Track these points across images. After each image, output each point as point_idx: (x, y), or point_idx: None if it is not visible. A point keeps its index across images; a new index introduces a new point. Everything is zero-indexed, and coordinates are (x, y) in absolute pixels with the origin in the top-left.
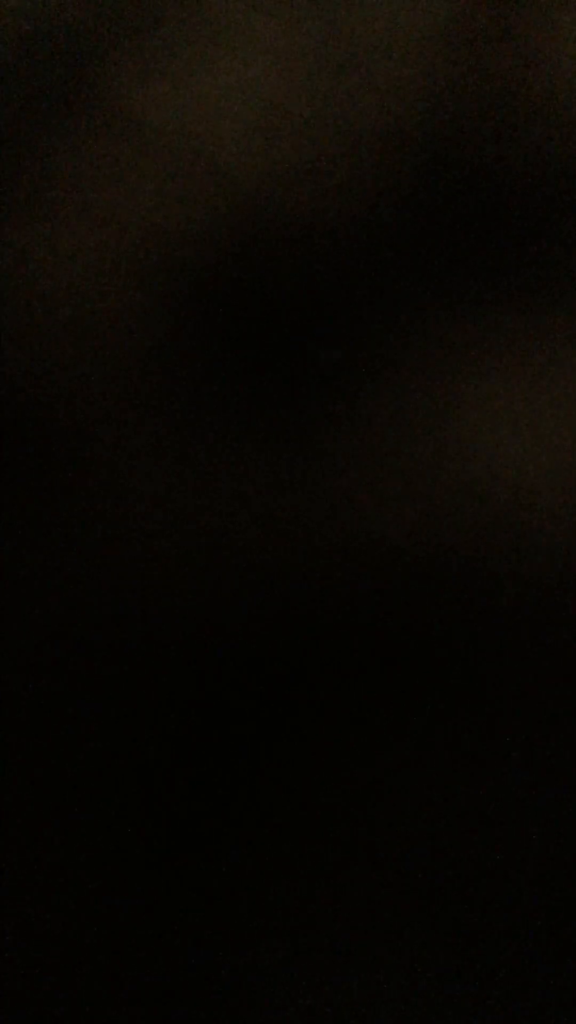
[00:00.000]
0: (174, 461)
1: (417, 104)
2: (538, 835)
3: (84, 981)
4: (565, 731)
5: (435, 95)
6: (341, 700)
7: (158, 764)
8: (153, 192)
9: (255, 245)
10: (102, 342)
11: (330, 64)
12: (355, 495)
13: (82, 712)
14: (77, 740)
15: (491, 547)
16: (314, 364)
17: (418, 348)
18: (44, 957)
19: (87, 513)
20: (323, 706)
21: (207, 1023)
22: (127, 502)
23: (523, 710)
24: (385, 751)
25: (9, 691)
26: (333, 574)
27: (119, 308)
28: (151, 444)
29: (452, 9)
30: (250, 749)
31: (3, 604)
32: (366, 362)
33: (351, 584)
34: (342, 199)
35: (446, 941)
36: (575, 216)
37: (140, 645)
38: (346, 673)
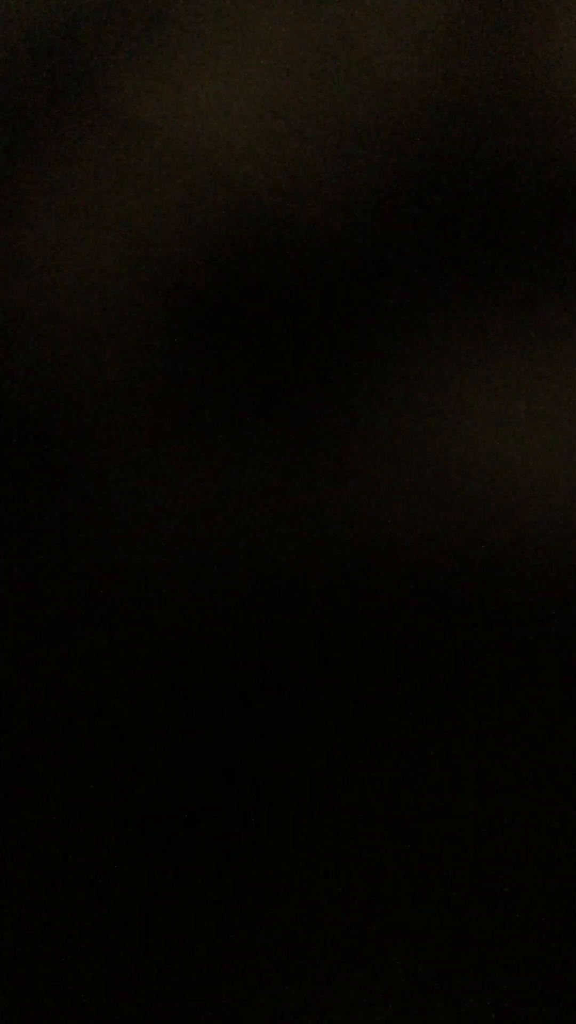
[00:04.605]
0: (174, 462)
1: (417, 104)
2: (539, 835)
3: (84, 981)
4: (566, 730)
5: (435, 95)
6: (341, 699)
7: (159, 762)
8: (153, 192)
9: (255, 245)
10: (102, 342)
11: (330, 64)
12: (356, 494)
13: (83, 712)
14: (78, 740)
15: (492, 545)
16: (315, 364)
17: (419, 347)
18: (44, 955)
19: (88, 512)
20: (323, 704)
21: (207, 1023)
22: (127, 501)
23: (523, 708)
24: (385, 748)
25: (10, 691)
26: (334, 572)
27: (119, 308)
28: (151, 445)
29: (452, 9)
30: (250, 746)
31: (3, 604)
32: (367, 360)
33: (352, 582)
34: (342, 199)
35: (446, 942)
36: (575, 215)
37: (141, 644)
38: (346, 671)
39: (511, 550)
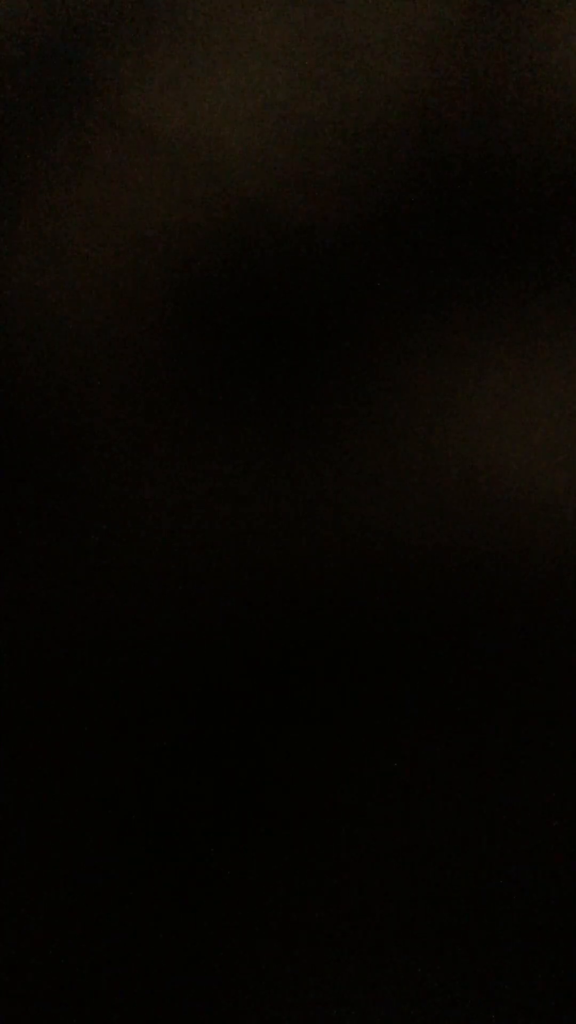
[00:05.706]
0: (175, 461)
1: (418, 104)
2: (540, 834)
3: (84, 981)
4: (565, 728)
5: (435, 95)
6: (341, 696)
7: (156, 760)
8: (153, 193)
9: (255, 245)
10: (102, 342)
11: (330, 64)
12: (357, 492)
13: (84, 711)
14: (77, 737)
15: (491, 542)
16: (315, 364)
17: (418, 346)
18: (44, 953)
19: (89, 512)
20: (323, 701)
21: (207, 1023)
22: (128, 500)
23: (523, 706)
24: (385, 746)
25: (11, 691)
26: (334, 571)
27: (119, 308)
28: (152, 443)
29: (452, 9)
30: (250, 744)
31: (5, 604)
32: (367, 360)
33: (352, 579)
34: (342, 199)
35: (446, 942)
36: (575, 215)
37: (140, 641)
38: (346, 668)
39: (511, 549)
